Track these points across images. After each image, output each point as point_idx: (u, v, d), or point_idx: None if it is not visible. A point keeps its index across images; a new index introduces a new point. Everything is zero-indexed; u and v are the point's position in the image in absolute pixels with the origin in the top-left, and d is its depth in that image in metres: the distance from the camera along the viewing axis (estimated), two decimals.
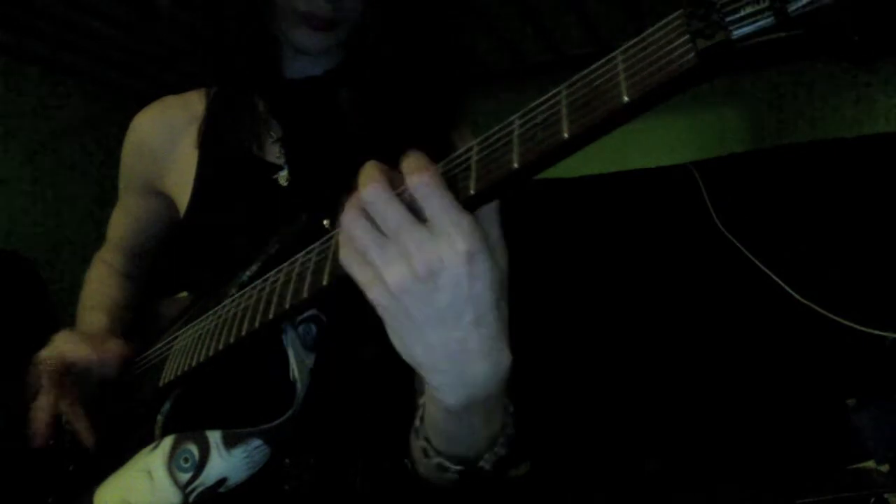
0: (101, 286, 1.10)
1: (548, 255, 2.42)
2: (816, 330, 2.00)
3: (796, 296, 2.02)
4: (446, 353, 0.54)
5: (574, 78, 0.48)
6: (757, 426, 2.06)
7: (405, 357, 0.56)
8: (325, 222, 0.74)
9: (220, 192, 0.92)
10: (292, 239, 0.73)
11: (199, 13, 2.49)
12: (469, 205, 0.51)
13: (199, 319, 0.79)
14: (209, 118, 0.96)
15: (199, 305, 0.83)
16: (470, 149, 0.52)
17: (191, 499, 0.68)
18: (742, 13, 0.39)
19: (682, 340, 2.23)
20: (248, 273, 0.76)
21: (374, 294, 0.53)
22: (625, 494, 2.05)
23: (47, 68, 3.01)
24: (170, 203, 1.01)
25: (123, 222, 1.11)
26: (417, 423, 0.69)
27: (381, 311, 0.54)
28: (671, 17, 0.43)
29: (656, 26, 0.44)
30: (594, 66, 0.47)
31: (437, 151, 0.74)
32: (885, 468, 1.57)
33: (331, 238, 0.62)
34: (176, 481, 0.69)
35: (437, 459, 0.67)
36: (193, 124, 0.97)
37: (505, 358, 0.57)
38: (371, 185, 0.52)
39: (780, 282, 2.05)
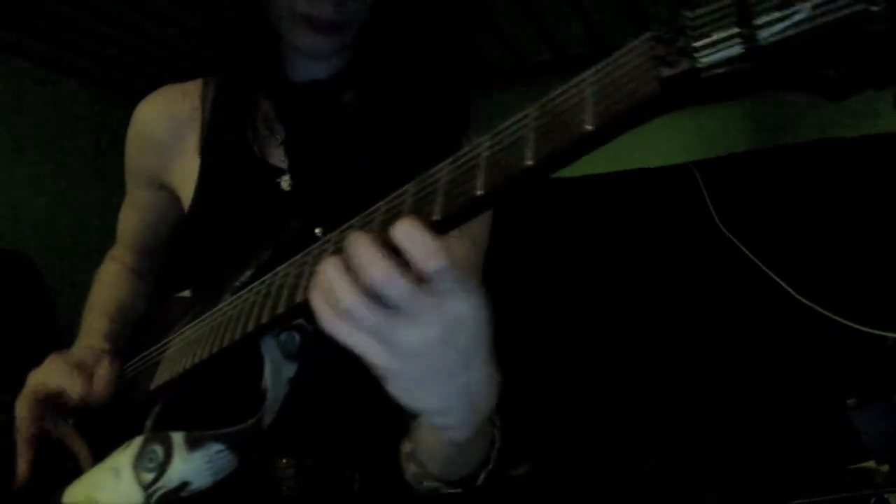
0: (107, 287, 1.08)
1: (547, 255, 2.42)
2: (816, 330, 2.00)
3: (796, 296, 2.02)
4: (457, 398, 0.54)
5: (545, 98, 0.46)
6: (757, 426, 2.06)
7: (411, 407, 0.55)
8: (317, 231, 0.73)
9: (222, 193, 0.91)
10: (284, 246, 0.72)
11: (199, 13, 2.49)
12: (437, 228, 0.48)
13: (192, 324, 0.78)
14: (212, 116, 0.94)
15: (194, 309, 0.83)
16: (440, 169, 0.51)
17: (152, 500, 0.67)
18: (710, 39, 0.36)
19: (682, 340, 2.23)
20: (241, 279, 0.75)
21: (382, 361, 0.51)
22: (625, 494, 2.05)
23: (47, 67, 3.01)
24: (176, 196, 1.01)
25: (132, 218, 1.09)
26: (409, 448, 0.71)
27: (385, 374, 0.52)
28: (640, 39, 0.41)
29: (625, 48, 0.41)
30: (564, 87, 0.44)
31: (442, 157, 0.74)
32: (885, 468, 1.57)
33: (308, 253, 0.60)
34: (140, 481, 0.68)
35: (434, 483, 0.70)
36: (196, 115, 0.95)
37: (497, 380, 0.57)
38: (376, 268, 0.48)
39: (780, 282, 2.05)
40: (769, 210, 2.19)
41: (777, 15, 0.35)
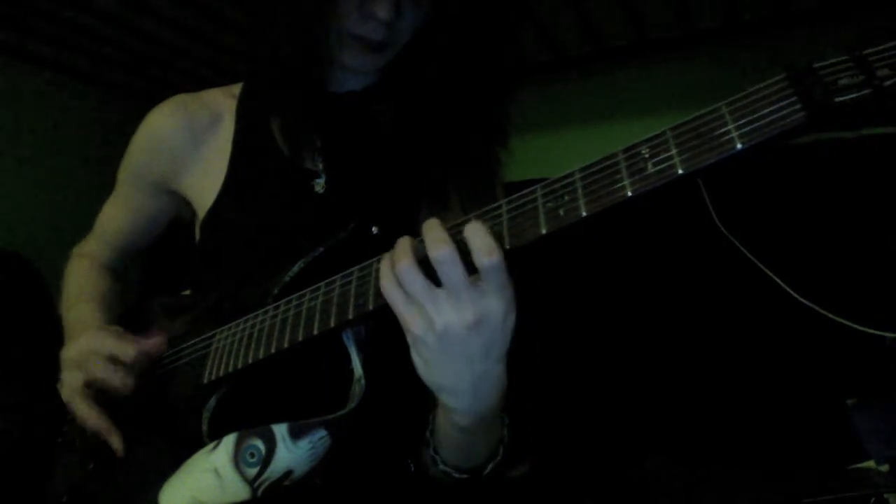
0: (87, 280, 1.06)
1: (546, 254, 2.42)
2: (816, 330, 2.00)
3: (796, 296, 2.02)
4: (469, 382, 0.62)
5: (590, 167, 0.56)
6: (757, 426, 2.06)
7: (427, 382, 0.63)
8: (373, 229, 0.78)
9: (251, 194, 0.91)
10: (340, 244, 0.76)
11: (199, 14, 2.50)
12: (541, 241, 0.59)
13: (243, 319, 0.79)
14: (245, 119, 0.95)
15: (231, 305, 0.82)
16: (500, 206, 0.60)
17: (259, 493, 0.70)
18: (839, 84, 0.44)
19: (681, 340, 2.23)
20: (289, 275, 0.77)
21: (418, 329, 0.59)
22: (623, 495, 2.05)
23: (48, 68, 3.02)
24: (180, 203, 1.01)
25: (121, 219, 1.08)
26: (428, 435, 0.76)
27: (416, 342, 0.60)
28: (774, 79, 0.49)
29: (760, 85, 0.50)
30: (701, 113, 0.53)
31: (475, 167, 0.82)
32: (885, 468, 1.57)
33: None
34: (244, 477, 0.70)
35: (444, 468, 0.75)
36: (217, 123, 0.96)
37: (504, 383, 0.65)
38: (443, 249, 0.57)
39: (780, 282, 2.05)
40: (769, 210, 2.20)
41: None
